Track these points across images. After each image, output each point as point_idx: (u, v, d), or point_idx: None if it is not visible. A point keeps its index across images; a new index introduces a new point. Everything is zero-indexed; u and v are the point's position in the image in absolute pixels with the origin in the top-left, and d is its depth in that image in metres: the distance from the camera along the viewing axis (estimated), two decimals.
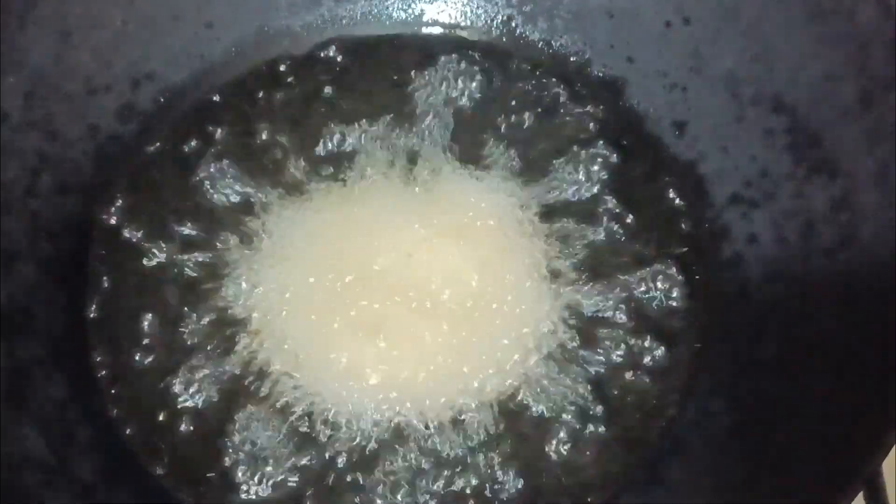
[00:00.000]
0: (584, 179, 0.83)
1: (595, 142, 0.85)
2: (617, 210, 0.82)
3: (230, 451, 0.71)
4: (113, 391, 0.74)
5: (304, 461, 0.71)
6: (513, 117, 0.86)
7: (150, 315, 0.76)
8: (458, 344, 0.74)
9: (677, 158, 0.84)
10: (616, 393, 0.74)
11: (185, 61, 0.86)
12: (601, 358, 0.75)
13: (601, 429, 0.73)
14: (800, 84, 0.77)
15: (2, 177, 0.74)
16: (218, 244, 0.79)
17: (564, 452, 0.72)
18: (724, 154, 0.82)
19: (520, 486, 0.70)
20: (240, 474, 0.70)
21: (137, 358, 0.75)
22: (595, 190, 0.83)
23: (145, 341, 0.75)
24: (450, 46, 0.90)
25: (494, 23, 0.92)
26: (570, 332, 0.76)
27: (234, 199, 0.81)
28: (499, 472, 0.71)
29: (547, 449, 0.72)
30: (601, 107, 0.87)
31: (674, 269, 0.79)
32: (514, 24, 0.91)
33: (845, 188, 0.73)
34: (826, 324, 0.70)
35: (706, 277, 0.79)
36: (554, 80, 0.88)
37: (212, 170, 0.82)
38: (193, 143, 0.84)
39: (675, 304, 0.78)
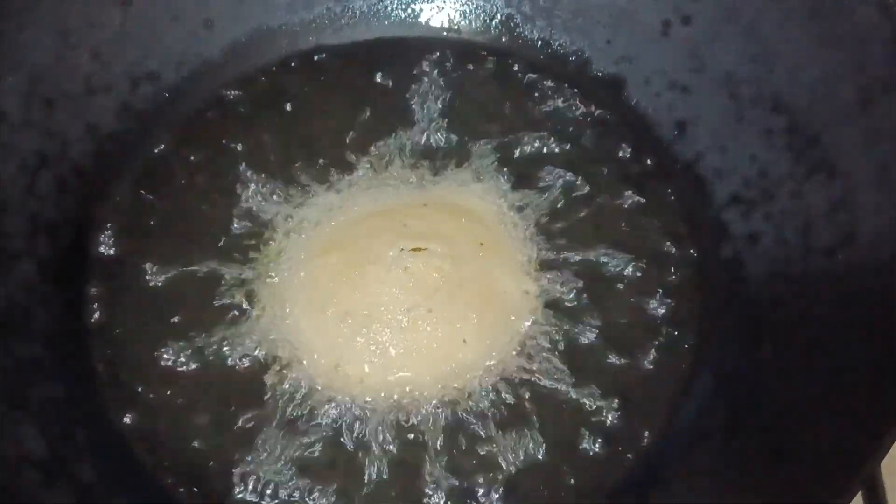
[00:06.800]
0: (581, 179, 0.83)
1: (593, 142, 0.85)
2: (615, 209, 0.82)
3: (230, 450, 0.71)
4: (113, 391, 0.73)
5: (305, 459, 0.71)
6: (511, 117, 0.86)
7: (150, 314, 0.76)
8: (451, 335, 0.74)
9: (677, 158, 0.84)
10: (614, 392, 0.74)
11: (184, 61, 0.86)
12: (599, 357, 0.75)
13: (598, 427, 0.73)
14: (799, 84, 0.77)
15: (1, 176, 0.74)
16: (217, 243, 0.79)
17: (561, 451, 0.72)
18: (724, 154, 0.82)
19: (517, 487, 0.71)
20: (240, 473, 0.70)
21: (137, 358, 0.75)
22: (593, 189, 0.83)
23: (145, 341, 0.75)
24: (448, 46, 0.91)
25: (493, 22, 0.92)
26: (567, 330, 0.76)
27: (234, 197, 0.81)
28: (495, 469, 0.71)
29: (541, 446, 0.72)
30: (600, 107, 0.87)
31: (673, 269, 0.79)
32: (512, 24, 0.91)
33: (844, 188, 0.73)
34: (825, 323, 0.70)
35: (706, 277, 0.79)
36: (553, 80, 0.88)
37: (211, 169, 0.83)
38: (193, 142, 0.84)
39: (673, 303, 0.78)
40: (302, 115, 0.86)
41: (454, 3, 0.92)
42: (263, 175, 0.82)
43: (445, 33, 0.92)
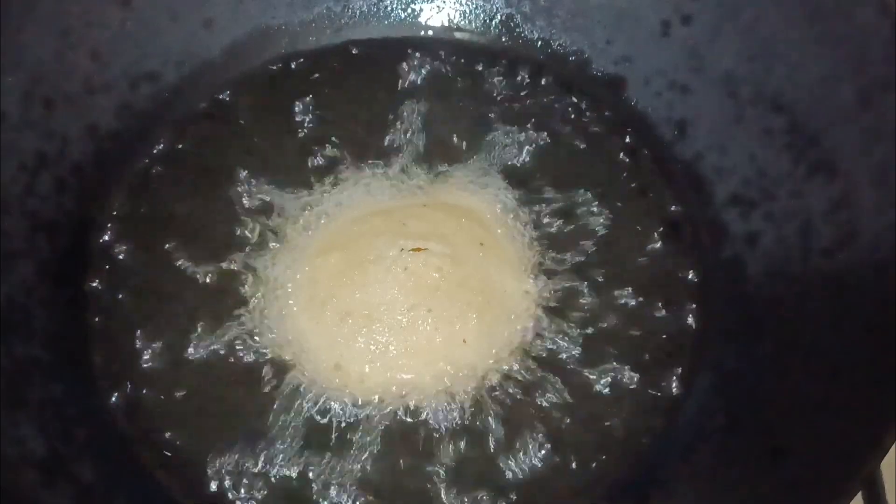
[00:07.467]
0: (581, 179, 0.83)
1: (593, 142, 0.85)
2: (614, 210, 0.82)
3: (230, 449, 0.71)
4: (112, 390, 0.73)
5: (304, 459, 0.71)
6: (511, 117, 0.86)
7: (150, 314, 0.76)
8: (451, 335, 0.74)
9: (677, 158, 0.84)
10: (614, 392, 0.74)
11: (184, 61, 0.86)
12: (599, 357, 0.75)
13: (598, 428, 0.73)
14: (799, 84, 0.77)
15: (1, 177, 0.74)
16: (217, 242, 0.79)
17: (561, 451, 0.72)
18: (724, 154, 0.82)
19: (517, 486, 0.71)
20: (240, 473, 0.70)
21: (137, 357, 0.75)
22: (593, 189, 0.83)
23: (145, 340, 0.75)
24: (448, 46, 0.91)
25: (493, 22, 0.92)
26: (566, 330, 0.76)
27: (233, 197, 0.81)
28: (495, 469, 0.71)
29: (540, 446, 0.72)
30: (600, 107, 0.87)
31: (672, 269, 0.79)
32: (512, 24, 0.91)
33: (844, 188, 0.73)
34: (825, 323, 0.70)
35: (705, 277, 0.79)
36: (553, 80, 0.88)
37: (211, 169, 0.83)
38: (192, 142, 0.84)
39: (673, 303, 0.78)
40: (301, 114, 0.86)
41: (454, 3, 0.92)
42: (263, 175, 0.82)
43: (445, 33, 0.92)
